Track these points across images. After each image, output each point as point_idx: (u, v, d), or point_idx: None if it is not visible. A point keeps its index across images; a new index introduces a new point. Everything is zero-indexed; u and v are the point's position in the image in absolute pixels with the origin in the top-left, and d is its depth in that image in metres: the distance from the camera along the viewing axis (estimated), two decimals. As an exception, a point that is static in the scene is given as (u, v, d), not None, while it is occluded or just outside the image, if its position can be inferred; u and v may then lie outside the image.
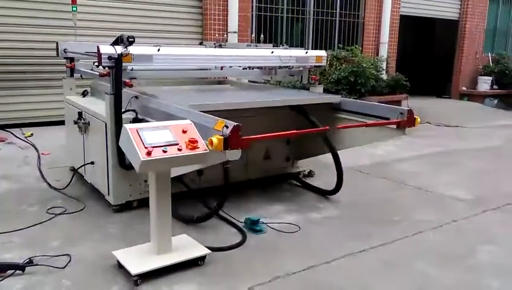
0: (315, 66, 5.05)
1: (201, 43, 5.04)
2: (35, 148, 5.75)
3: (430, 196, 4.75)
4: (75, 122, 4.36)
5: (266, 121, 4.07)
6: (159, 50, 3.93)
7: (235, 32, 8.75)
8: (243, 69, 4.95)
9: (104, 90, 3.92)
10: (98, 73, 3.95)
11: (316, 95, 4.80)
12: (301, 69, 5.06)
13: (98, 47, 3.57)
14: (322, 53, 5.05)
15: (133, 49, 3.67)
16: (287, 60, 4.74)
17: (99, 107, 4.10)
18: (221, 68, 4.68)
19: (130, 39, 3.60)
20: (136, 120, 3.73)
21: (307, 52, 4.97)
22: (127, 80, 3.77)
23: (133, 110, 3.83)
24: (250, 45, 5.74)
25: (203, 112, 3.20)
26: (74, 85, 5.00)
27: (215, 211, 3.74)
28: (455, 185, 5.10)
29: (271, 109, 4.19)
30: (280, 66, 4.90)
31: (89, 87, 5.01)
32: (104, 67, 3.66)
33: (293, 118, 4.35)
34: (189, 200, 4.04)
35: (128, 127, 2.72)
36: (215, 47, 5.49)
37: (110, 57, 3.57)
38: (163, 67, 4.13)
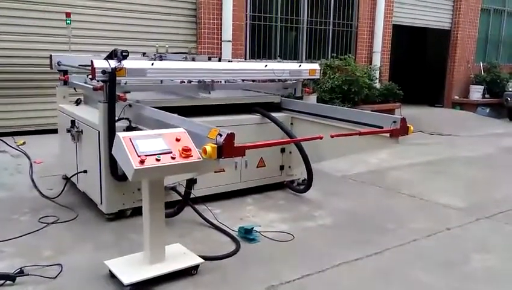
0: (308, 79, 5.09)
1: (144, 54, 4.92)
2: (28, 157, 5.70)
3: (424, 204, 4.76)
4: (68, 131, 4.34)
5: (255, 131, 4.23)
6: (152, 64, 3.93)
7: (229, 41, 8.78)
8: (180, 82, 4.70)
9: (98, 99, 3.90)
10: (91, 86, 3.92)
11: (264, 96, 5.05)
12: (294, 82, 5.06)
13: (92, 61, 3.56)
14: (316, 66, 5.09)
15: (126, 63, 3.66)
16: (280, 73, 4.76)
17: (92, 115, 4.08)
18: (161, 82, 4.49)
19: (123, 53, 3.59)
20: (129, 128, 3.72)
21: (300, 66, 4.99)
22: (121, 94, 3.75)
23: (127, 119, 3.82)
24: (186, 57, 5.57)
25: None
26: (67, 93, 4.98)
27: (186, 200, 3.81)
28: (448, 193, 5.11)
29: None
30: (273, 80, 4.92)
31: (82, 96, 5.00)
32: (98, 81, 3.65)
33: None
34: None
35: (121, 135, 2.70)
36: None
37: (104, 71, 3.56)
38: (156, 81, 4.11)
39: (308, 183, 4.62)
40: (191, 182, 3.71)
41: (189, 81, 4.48)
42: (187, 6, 8.59)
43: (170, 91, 4.57)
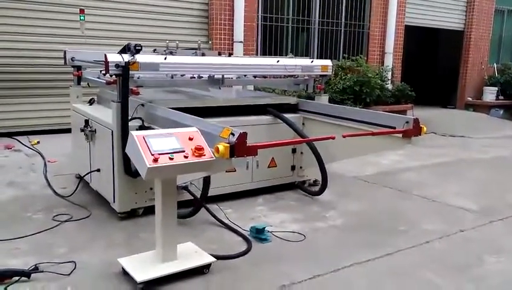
0: (320, 76, 5.07)
1: (154, 50, 4.97)
2: (42, 156, 5.78)
3: (437, 206, 4.72)
4: (82, 130, 4.38)
5: (267, 131, 4.31)
6: (165, 58, 3.96)
7: (240, 41, 8.79)
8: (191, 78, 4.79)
9: (111, 98, 3.94)
10: (105, 81, 3.97)
11: (278, 97, 5.13)
12: (307, 78, 5.07)
13: (105, 55, 3.60)
14: (328, 62, 5.07)
15: (140, 58, 3.70)
16: (292, 69, 4.76)
17: (105, 115, 4.12)
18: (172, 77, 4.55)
19: (137, 47, 3.63)
20: (142, 128, 3.75)
21: (312, 62, 4.98)
22: (134, 88, 3.79)
23: (140, 118, 3.85)
24: (195, 53, 5.62)
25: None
26: (81, 93, 5.04)
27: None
28: (461, 195, 5.07)
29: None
30: (285, 75, 4.91)
31: (96, 96, 5.05)
32: (111, 75, 3.68)
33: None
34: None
35: (135, 134, 2.73)
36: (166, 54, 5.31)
37: (117, 65, 3.59)
38: (168, 75, 4.15)
39: (322, 187, 4.57)
40: (207, 184, 3.69)
41: (200, 77, 4.50)
42: (199, 7, 8.64)
43: (180, 87, 4.61)
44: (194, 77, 4.52)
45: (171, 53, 4.59)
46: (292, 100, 5.03)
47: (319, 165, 4.44)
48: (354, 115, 4.27)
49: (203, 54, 4.59)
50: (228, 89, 5.61)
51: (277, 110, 4.69)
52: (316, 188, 4.92)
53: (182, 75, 4.46)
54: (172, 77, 4.39)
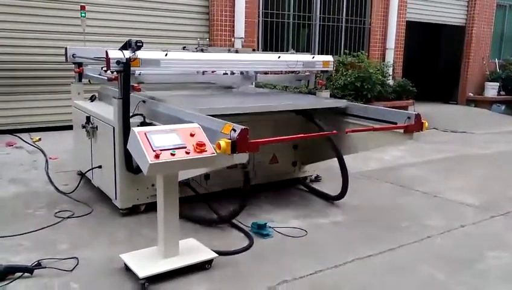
0: (322, 71, 5.06)
1: (184, 48, 4.98)
2: (43, 153, 5.79)
3: (438, 201, 4.73)
4: (83, 127, 4.38)
5: (272, 127, 4.11)
6: (166, 55, 3.95)
7: (241, 38, 8.78)
8: (223, 74, 4.81)
9: (112, 95, 3.94)
10: (106, 77, 3.97)
11: (323, 100, 4.81)
12: (308, 74, 5.07)
13: (106, 51, 3.60)
14: (329, 58, 5.05)
15: (141, 54, 3.70)
16: (293, 64, 4.75)
17: (107, 111, 4.12)
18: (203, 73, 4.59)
19: (138, 44, 3.63)
20: (143, 124, 3.75)
21: (313, 57, 4.97)
22: (135, 84, 3.79)
23: (141, 115, 3.85)
24: (230, 50, 5.67)
25: (211, 116, 3.21)
26: (82, 90, 5.04)
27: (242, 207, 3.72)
28: (463, 191, 5.07)
29: (278, 114, 4.19)
30: (287, 71, 4.91)
31: (97, 92, 5.05)
32: (112, 71, 3.69)
33: (299, 123, 4.35)
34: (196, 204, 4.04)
35: (136, 130, 2.73)
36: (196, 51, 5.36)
37: (118, 62, 3.59)
38: (170, 72, 4.15)
39: (342, 192, 4.39)
40: (247, 182, 3.62)
41: (232, 73, 4.55)
42: (200, 3, 8.62)
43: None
44: (227, 73, 4.53)
45: (202, 50, 4.68)
46: (341, 103, 4.50)
47: (342, 172, 4.31)
48: (356, 111, 4.23)
49: (202, 50, 4.63)
50: (245, 89, 5.50)
51: (322, 116, 4.32)
52: (319, 185, 4.93)
53: (212, 72, 4.44)
54: (203, 73, 4.38)
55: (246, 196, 3.70)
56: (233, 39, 8.45)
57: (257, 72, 5.04)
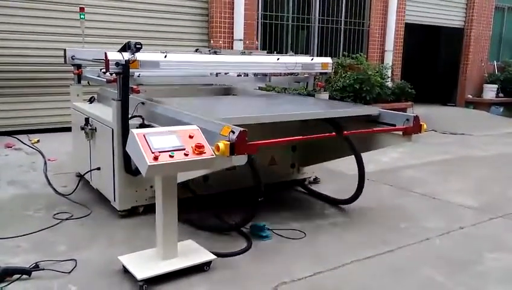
0: (321, 73, 5.07)
1: (197, 50, 4.99)
2: (42, 155, 5.78)
3: (437, 203, 4.73)
4: (82, 128, 4.38)
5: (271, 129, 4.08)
6: (165, 56, 3.96)
7: (240, 40, 8.79)
8: (237, 76, 4.81)
9: (111, 97, 3.94)
10: (105, 79, 3.97)
11: (356, 108, 4.62)
12: (307, 76, 5.07)
13: (105, 53, 3.59)
14: (328, 60, 5.06)
15: (140, 56, 3.70)
16: (292, 66, 4.76)
17: (106, 113, 4.12)
18: (217, 75, 4.51)
19: (137, 45, 3.63)
20: (142, 126, 3.75)
21: (312, 59, 4.98)
22: (134, 86, 3.79)
23: (140, 116, 3.85)
24: (244, 52, 5.69)
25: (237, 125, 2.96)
26: (81, 92, 5.04)
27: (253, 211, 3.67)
28: (461, 193, 5.07)
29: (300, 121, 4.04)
30: (285, 73, 4.90)
31: (96, 94, 5.05)
32: (111, 73, 3.68)
33: (297, 124, 4.34)
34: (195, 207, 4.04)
35: (135, 132, 2.73)
36: (210, 53, 5.37)
37: (117, 64, 3.59)
38: (170, 74, 4.14)
39: (354, 195, 4.32)
40: (258, 184, 3.57)
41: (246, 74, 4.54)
42: (199, 5, 8.64)
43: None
44: (241, 75, 4.53)
45: (215, 52, 4.69)
46: (373, 110, 4.23)
47: (359, 172, 4.22)
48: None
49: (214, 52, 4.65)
50: (250, 92, 5.44)
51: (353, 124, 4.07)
52: (317, 186, 4.94)
53: (226, 73, 4.43)
54: (217, 75, 4.34)
55: (256, 207, 3.63)
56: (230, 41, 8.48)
57: (271, 74, 4.97)
